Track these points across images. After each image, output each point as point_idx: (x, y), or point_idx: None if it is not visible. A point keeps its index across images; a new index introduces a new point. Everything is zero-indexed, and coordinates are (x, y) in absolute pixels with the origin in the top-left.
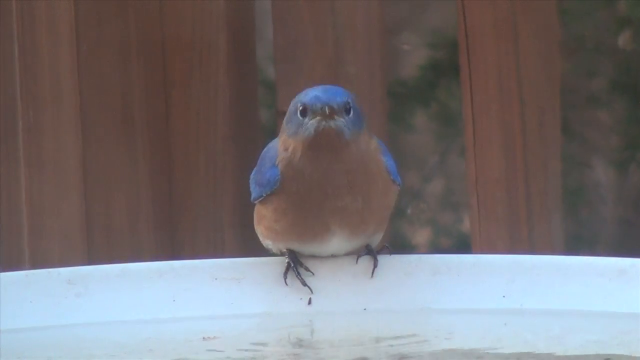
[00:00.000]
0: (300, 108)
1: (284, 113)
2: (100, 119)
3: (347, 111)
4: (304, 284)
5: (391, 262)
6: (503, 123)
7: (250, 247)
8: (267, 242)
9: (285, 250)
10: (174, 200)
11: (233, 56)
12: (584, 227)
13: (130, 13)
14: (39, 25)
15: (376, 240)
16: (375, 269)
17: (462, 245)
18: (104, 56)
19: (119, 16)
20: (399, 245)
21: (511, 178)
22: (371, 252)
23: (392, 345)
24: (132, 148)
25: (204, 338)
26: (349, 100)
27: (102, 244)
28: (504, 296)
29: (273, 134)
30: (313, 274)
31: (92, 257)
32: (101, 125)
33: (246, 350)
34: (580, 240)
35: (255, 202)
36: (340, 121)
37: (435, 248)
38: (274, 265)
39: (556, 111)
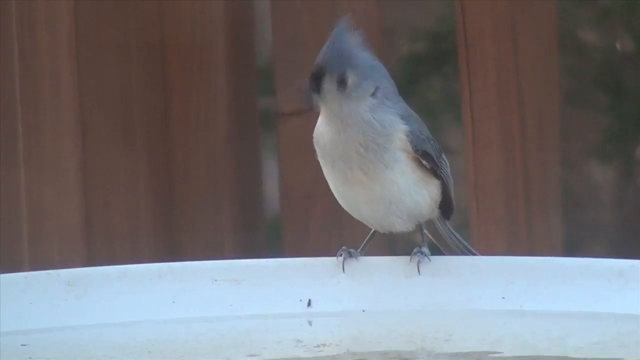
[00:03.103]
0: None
1: (283, 113)
2: (100, 121)
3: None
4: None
5: (390, 264)
6: (502, 124)
7: (250, 249)
8: None
9: None
10: (173, 202)
11: (232, 57)
12: (584, 227)
13: (130, 14)
14: (39, 26)
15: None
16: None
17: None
18: (104, 57)
19: (119, 17)
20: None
21: (510, 179)
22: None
23: (391, 347)
24: (132, 149)
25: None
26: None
27: (101, 246)
28: (503, 297)
29: (273, 134)
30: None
31: (92, 258)
32: (101, 127)
33: (246, 352)
34: (580, 241)
35: None
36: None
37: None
38: (274, 266)
39: (555, 111)
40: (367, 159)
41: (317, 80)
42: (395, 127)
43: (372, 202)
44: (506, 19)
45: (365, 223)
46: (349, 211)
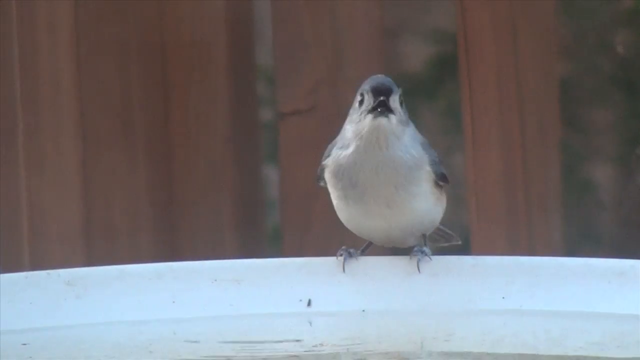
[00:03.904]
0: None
1: (284, 114)
2: (100, 121)
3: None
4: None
5: (391, 263)
6: (502, 124)
7: (250, 249)
8: None
9: None
10: (173, 202)
11: (232, 57)
12: (584, 228)
13: (129, 14)
14: (39, 27)
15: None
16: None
17: (465, 242)
18: (104, 58)
19: (119, 17)
20: None
21: (510, 179)
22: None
23: (391, 346)
24: (132, 150)
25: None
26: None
27: (101, 246)
28: (503, 297)
29: (273, 134)
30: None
31: (92, 259)
32: (101, 127)
33: (245, 352)
34: (579, 241)
35: None
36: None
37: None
38: (274, 266)
39: (555, 111)
40: (396, 195)
41: (386, 96)
42: (423, 159)
43: (390, 229)
44: (506, 19)
45: (368, 239)
46: (357, 233)
